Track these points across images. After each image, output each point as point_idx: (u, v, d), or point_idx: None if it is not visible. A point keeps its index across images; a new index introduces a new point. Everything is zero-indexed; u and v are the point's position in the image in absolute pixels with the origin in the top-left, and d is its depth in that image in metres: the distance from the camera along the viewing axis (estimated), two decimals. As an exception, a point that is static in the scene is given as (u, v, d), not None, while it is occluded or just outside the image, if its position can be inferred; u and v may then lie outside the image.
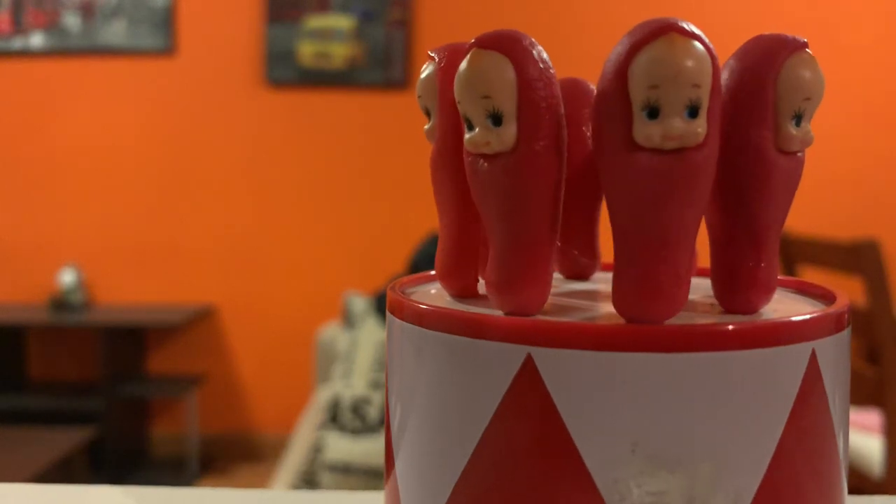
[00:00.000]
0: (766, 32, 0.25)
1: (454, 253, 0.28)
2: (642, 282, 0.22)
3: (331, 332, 2.16)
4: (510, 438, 0.22)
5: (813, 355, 0.22)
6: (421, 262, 1.87)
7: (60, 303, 2.48)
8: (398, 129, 2.52)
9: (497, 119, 0.23)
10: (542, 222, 0.24)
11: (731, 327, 0.21)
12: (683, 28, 0.22)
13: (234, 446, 2.60)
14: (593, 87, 0.28)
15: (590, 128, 0.27)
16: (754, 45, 0.25)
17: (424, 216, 2.31)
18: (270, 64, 2.52)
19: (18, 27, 2.55)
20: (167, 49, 2.54)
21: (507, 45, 0.23)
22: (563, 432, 0.21)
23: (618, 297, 0.23)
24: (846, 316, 0.24)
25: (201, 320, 2.59)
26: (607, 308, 0.26)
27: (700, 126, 0.22)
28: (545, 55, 0.25)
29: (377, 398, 1.66)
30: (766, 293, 0.25)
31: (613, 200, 0.23)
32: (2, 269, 2.61)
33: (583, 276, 0.32)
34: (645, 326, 0.21)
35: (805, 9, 2.48)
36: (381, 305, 1.93)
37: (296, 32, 2.51)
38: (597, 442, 0.21)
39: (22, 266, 2.61)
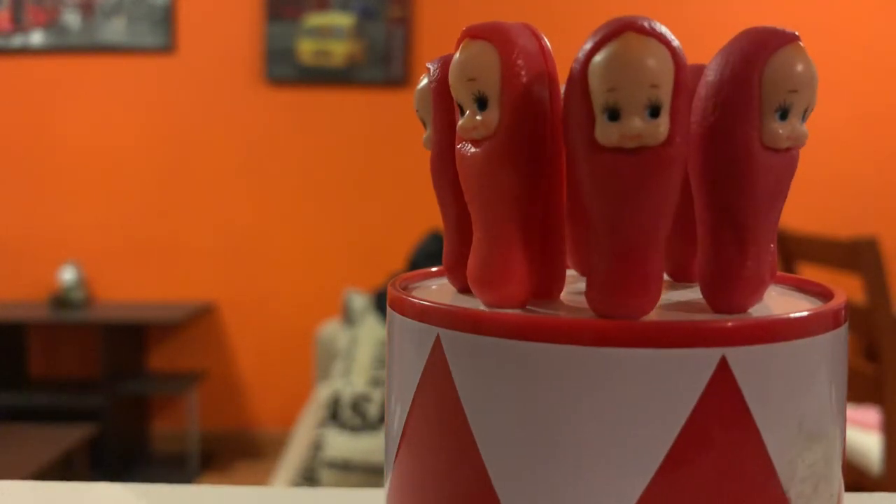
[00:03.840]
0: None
1: (503, 261, 0.25)
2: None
3: (331, 329, 2.16)
4: (705, 441, 0.21)
5: None
6: (421, 260, 1.87)
7: (61, 300, 2.48)
8: (398, 127, 2.52)
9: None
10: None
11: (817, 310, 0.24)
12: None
13: (234, 443, 2.60)
14: None
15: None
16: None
17: (424, 213, 2.31)
18: (270, 62, 2.52)
19: (18, 25, 2.55)
20: (167, 47, 2.54)
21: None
22: (753, 426, 0.22)
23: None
24: (843, 312, 0.24)
25: (201, 317, 2.59)
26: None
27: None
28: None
29: (377, 395, 1.67)
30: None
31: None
32: (2, 266, 2.62)
33: None
34: (804, 317, 0.23)
35: (805, 7, 2.48)
36: (380, 302, 1.93)
37: (295, 30, 2.51)
38: (777, 429, 0.22)
39: (22, 263, 2.61)
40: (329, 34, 2.51)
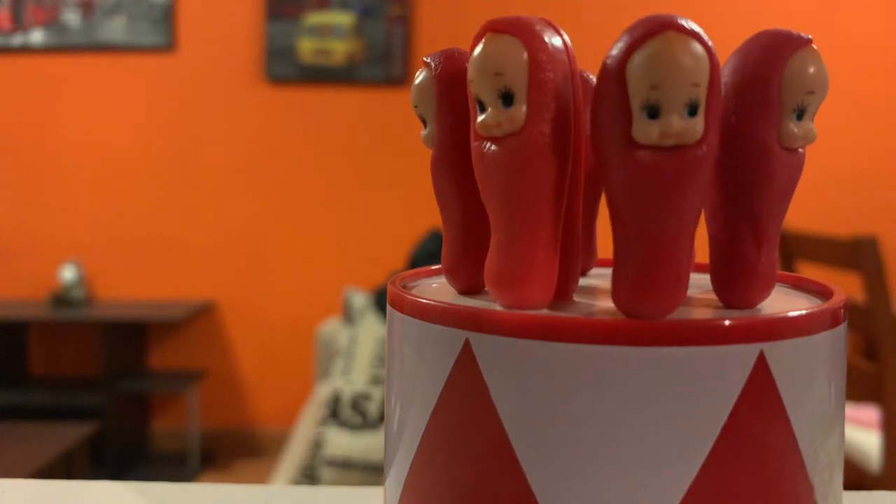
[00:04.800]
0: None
1: (529, 261, 0.25)
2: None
3: (331, 327, 2.16)
4: (745, 436, 0.22)
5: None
6: (420, 258, 1.87)
7: (61, 299, 2.48)
8: (398, 126, 2.52)
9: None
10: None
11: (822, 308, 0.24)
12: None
13: (234, 441, 2.61)
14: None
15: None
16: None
17: (424, 212, 2.32)
18: (270, 60, 2.52)
19: (18, 24, 2.55)
20: (167, 46, 2.54)
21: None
22: (786, 418, 0.22)
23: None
24: (842, 311, 0.25)
25: (202, 316, 2.59)
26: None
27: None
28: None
29: (377, 394, 1.67)
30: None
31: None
32: (3, 265, 2.62)
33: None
34: (827, 310, 0.24)
35: (806, 5, 2.47)
36: (381, 301, 1.93)
37: (296, 29, 2.51)
38: (804, 419, 0.23)
39: (23, 262, 2.61)
40: (329, 33, 2.51)
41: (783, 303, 0.27)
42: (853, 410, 1.51)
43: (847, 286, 1.05)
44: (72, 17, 2.54)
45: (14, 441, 1.80)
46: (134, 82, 2.57)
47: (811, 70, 0.24)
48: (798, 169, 0.25)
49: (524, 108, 0.23)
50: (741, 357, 0.22)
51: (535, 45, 0.23)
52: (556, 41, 0.24)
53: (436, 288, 0.30)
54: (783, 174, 0.25)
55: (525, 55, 0.23)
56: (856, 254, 1.23)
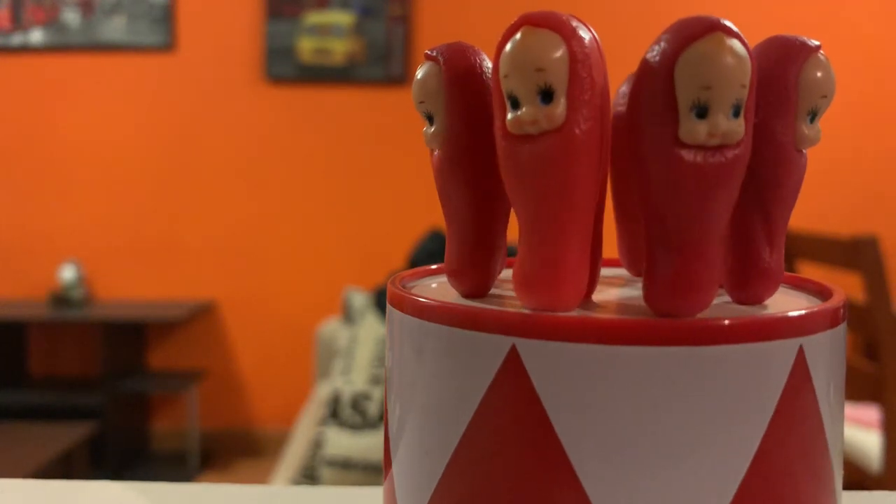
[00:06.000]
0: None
1: (564, 261, 0.24)
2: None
3: (331, 327, 2.16)
4: (789, 431, 0.22)
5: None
6: (420, 258, 1.87)
7: (61, 299, 2.48)
8: (398, 125, 2.52)
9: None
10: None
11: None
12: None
13: (234, 441, 2.61)
14: None
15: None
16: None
17: (424, 212, 2.31)
18: (270, 60, 2.52)
19: (18, 23, 2.55)
20: (167, 45, 2.54)
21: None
22: (818, 409, 0.23)
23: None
24: (841, 311, 0.25)
25: (201, 316, 2.59)
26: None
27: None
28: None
29: (377, 394, 1.67)
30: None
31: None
32: (2, 265, 2.62)
33: None
34: (844, 302, 0.25)
35: (806, 6, 2.47)
36: (380, 301, 1.93)
37: (295, 28, 2.51)
38: (830, 409, 0.24)
39: (22, 262, 2.61)
40: (329, 32, 2.51)
41: (785, 301, 0.27)
42: (853, 410, 1.51)
43: (847, 286, 1.04)
44: (71, 17, 2.54)
45: (14, 441, 1.80)
46: (134, 82, 2.57)
47: (825, 75, 0.25)
48: (805, 169, 0.26)
49: (564, 105, 0.23)
50: (784, 352, 0.22)
51: (574, 40, 0.23)
52: (590, 38, 0.24)
53: (435, 288, 0.30)
54: (796, 174, 0.26)
55: (565, 51, 0.23)
56: (856, 254, 1.23)
